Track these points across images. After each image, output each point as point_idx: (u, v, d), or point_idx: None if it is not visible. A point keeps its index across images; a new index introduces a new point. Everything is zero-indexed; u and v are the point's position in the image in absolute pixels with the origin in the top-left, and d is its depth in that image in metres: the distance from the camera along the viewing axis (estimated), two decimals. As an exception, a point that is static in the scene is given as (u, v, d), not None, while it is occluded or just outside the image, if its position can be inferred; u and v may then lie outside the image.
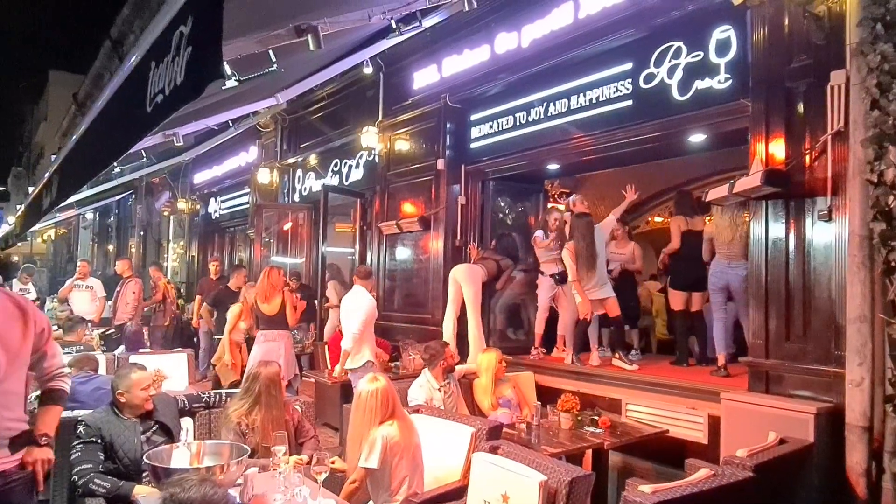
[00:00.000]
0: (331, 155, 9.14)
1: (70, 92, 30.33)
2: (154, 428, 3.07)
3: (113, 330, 7.26)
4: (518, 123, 6.35)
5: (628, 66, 5.33)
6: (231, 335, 6.61)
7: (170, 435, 3.08)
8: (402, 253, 7.71)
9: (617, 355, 5.63)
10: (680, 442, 4.45)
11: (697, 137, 5.27)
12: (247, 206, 11.73)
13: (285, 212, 10.37)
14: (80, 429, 2.91)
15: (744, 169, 4.27)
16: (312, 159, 9.57)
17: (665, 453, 4.47)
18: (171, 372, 5.11)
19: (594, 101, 5.62)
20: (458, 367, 4.98)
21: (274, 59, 3.11)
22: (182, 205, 13.60)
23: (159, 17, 2.29)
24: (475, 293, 6.33)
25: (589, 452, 4.19)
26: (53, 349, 2.56)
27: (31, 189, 32.62)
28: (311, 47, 2.95)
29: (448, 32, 6.52)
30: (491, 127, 6.67)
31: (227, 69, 2.81)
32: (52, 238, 27.10)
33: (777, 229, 4.03)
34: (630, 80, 5.31)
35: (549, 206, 7.65)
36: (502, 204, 7.49)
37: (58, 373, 2.57)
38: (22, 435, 2.32)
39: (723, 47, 4.63)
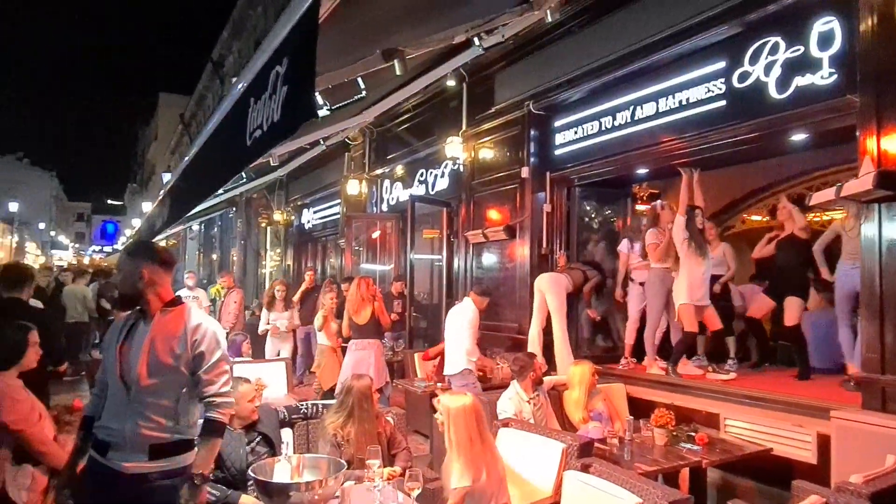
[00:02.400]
0: (416, 165, 9.32)
1: (177, 112, 32.82)
2: (258, 439, 3.26)
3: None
4: (604, 128, 6.23)
5: (720, 65, 5.10)
6: (327, 340, 6.91)
7: (272, 446, 3.26)
8: (489, 261, 7.73)
9: (711, 367, 5.39)
10: (785, 461, 4.21)
11: (798, 137, 4.97)
12: (338, 216, 12.18)
13: (374, 221, 10.68)
14: None
15: (849, 164, 3.98)
16: (399, 170, 9.81)
17: (769, 472, 4.24)
18: (269, 380, 5.36)
19: (684, 102, 5.42)
20: (546, 379, 4.94)
21: (363, 87, 3.22)
22: (278, 216, 14.29)
23: (258, 54, 2.44)
24: (560, 303, 6.25)
25: (686, 471, 4.04)
26: (210, 376, 2.52)
27: (144, 205, 35.27)
28: (398, 72, 3.04)
29: (531, 40, 6.51)
30: (576, 133, 6.58)
31: (319, 99, 2.95)
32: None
33: (893, 231, 3.73)
34: (723, 80, 5.08)
35: (638, 207, 7.45)
36: (588, 208, 7.35)
37: (211, 400, 2.53)
38: (163, 446, 2.45)
39: (826, 40, 4.34)
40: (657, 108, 5.68)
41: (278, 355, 7.67)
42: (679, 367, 5.53)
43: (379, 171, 10.39)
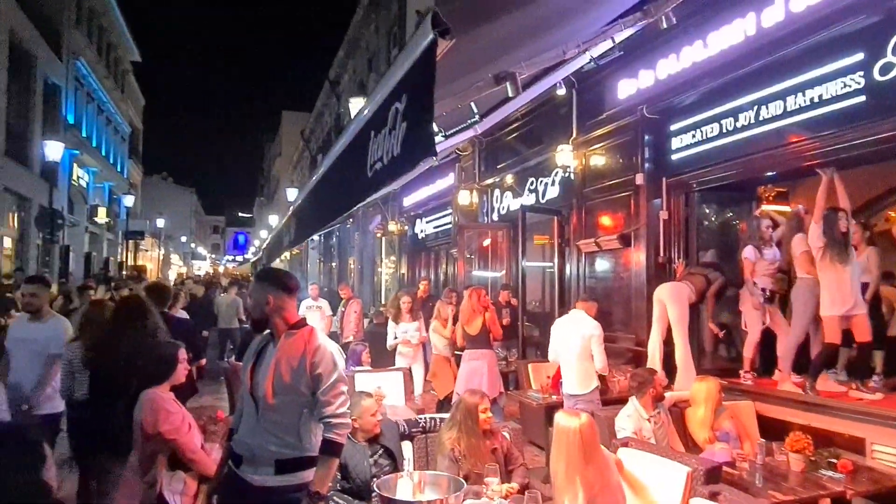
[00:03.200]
0: (526, 174, 9.30)
1: (298, 129, 34.87)
2: (380, 451, 3.41)
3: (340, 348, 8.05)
4: (725, 130, 5.91)
5: (858, 57, 4.68)
6: (442, 349, 7.07)
7: (393, 458, 3.40)
8: (602, 270, 7.56)
9: (854, 384, 4.93)
10: (948, 494, 3.77)
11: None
12: (449, 225, 12.41)
13: (485, 230, 10.77)
14: None
15: None
16: (509, 179, 9.83)
17: (928, 506, 3.81)
18: (387, 389, 5.56)
19: (816, 99, 5.02)
20: (668, 395, 4.74)
21: (476, 111, 3.28)
22: (392, 227, 14.79)
23: (378, 89, 2.56)
24: (681, 314, 5.96)
25: (826, 501, 3.73)
26: (328, 397, 2.60)
27: (270, 217, 37.57)
28: (510, 94, 3.05)
29: (643, 42, 6.28)
30: (693, 136, 6.28)
31: (434, 127, 3.03)
32: (288, 258, 30.99)
33: None
34: (861, 73, 4.66)
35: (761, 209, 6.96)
36: (707, 211, 6.99)
37: (329, 421, 2.60)
38: (288, 462, 2.61)
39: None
40: (785, 107, 5.30)
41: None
42: (818, 382, 5.11)
43: (489, 181, 10.48)
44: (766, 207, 6.93)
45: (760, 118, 5.52)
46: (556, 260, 8.44)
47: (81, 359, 3.97)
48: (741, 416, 4.86)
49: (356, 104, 11.10)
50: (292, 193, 23.43)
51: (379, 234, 16.38)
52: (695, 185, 6.49)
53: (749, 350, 5.90)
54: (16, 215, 16.57)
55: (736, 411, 4.83)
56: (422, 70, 1.97)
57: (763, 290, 5.73)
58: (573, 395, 5.51)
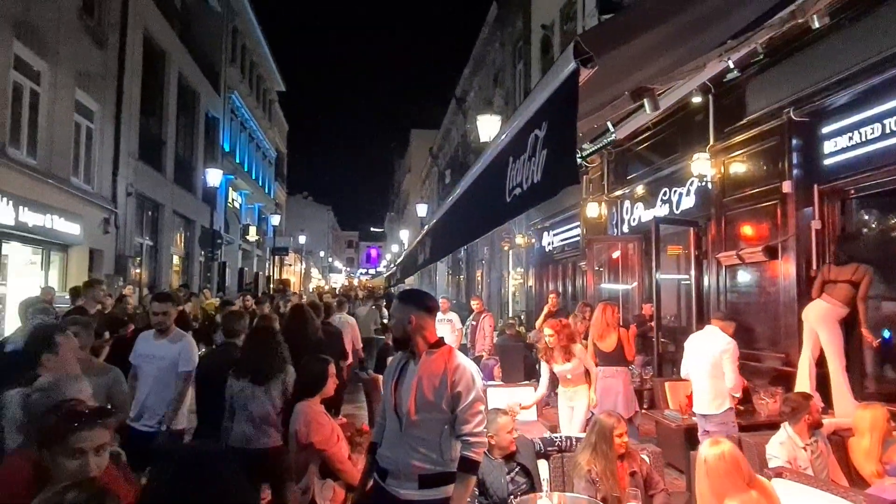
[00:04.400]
0: (659, 184, 8.97)
1: (426, 146, 36.03)
2: (517, 469, 3.46)
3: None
4: (889, 131, 5.34)
5: None
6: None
7: (529, 476, 3.43)
8: (745, 283, 7.10)
9: None
10: None
11: None
12: (577, 237, 12.23)
13: (615, 242, 10.51)
14: None
15: None
16: (640, 190, 9.54)
17: None
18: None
19: None
20: (826, 422, 4.36)
21: (612, 129, 3.26)
22: (519, 240, 14.83)
23: (515, 116, 2.62)
24: (830, 336, 5.43)
25: None
26: (466, 415, 2.70)
27: (401, 232, 38.99)
28: (648, 110, 2.98)
29: (788, 41, 5.88)
30: (850, 139, 5.74)
31: (577, 154, 3.04)
32: (419, 272, 31.99)
33: None
34: None
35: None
36: (866, 217, 6.32)
37: (466, 439, 2.69)
38: (430, 477, 2.73)
39: None
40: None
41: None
42: None
43: (619, 192, 10.22)
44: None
45: (932, 116, 4.96)
46: (692, 272, 8.05)
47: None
48: (916, 449, 4.34)
49: (484, 121, 11.31)
50: (422, 209, 24.24)
51: (506, 247, 16.47)
52: (853, 192, 5.93)
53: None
54: (182, 235, 18.59)
55: (909, 443, 4.33)
56: (563, 98, 1.99)
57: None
58: (704, 415, 5.27)
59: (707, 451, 2.92)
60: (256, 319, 6.51)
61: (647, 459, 3.60)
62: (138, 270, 14.58)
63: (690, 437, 5.45)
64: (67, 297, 8.25)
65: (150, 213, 15.63)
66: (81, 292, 7.51)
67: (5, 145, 9.01)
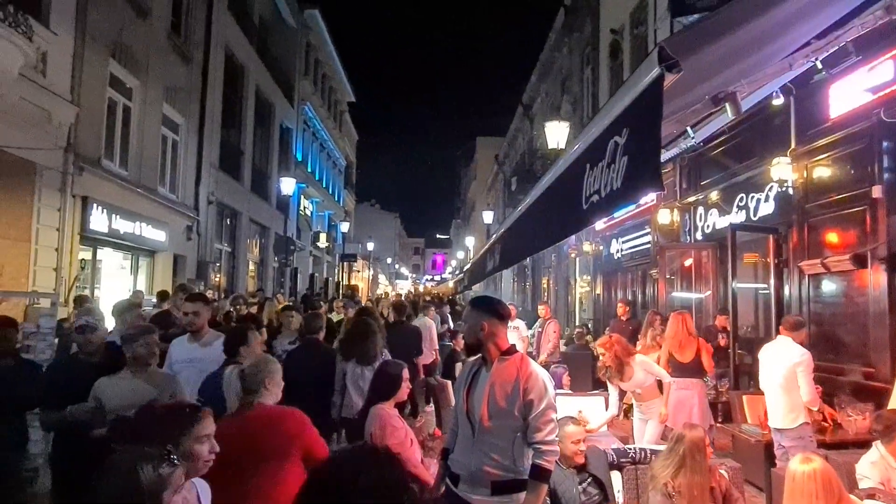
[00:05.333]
0: (735, 190, 8.66)
1: (492, 153, 36.10)
2: (588, 480, 3.42)
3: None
4: None
5: None
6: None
7: (602, 487, 3.39)
8: (830, 293, 6.76)
9: None
10: None
11: None
12: (647, 245, 11.95)
13: (687, 250, 10.21)
14: None
15: None
16: (714, 196, 9.23)
17: None
18: (589, 415, 5.49)
19: None
20: (922, 442, 4.09)
21: (692, 134, 3.20)
22: (587, 247, 14.63)
23: (592, 124, 2.61)
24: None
25: None
26: (539, 423, 2.72)
27: (467, 239, 39.16)
28: (730, 115, 2.89)
29: (877, 38, 5.57)
30: (948, 140, 5.40)
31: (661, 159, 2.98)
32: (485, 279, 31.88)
33: None
34: None
35: None
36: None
37: (538, 447, 2.71)
38: (503, 483, 2.74)
39: None
40: None
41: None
42: None
43: (691, 198, 9.93)
44: None
45: None
46: (771, 281, 7.71)
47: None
48: None
49: (552, 128, 11.25)
50: (488, 216, 24.26)
51: (573, 255, 16.28)
52: (951, 197, 5.56)
53: None
54: (257, 242, 19.35)
55: None
56: (647, 104, 1.97)
57: None
58: (779, 430, 5.06)
59: (797, 467, 2.81)
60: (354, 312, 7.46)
61: (725, 475, 3.48)
62: (217, 276, 15.29)
63: (770, 453, 5.23)
64: (154, 300, 8.76)
65: (228, 220, 16.38)
66: (168, 297, 7.99)
67: (101, 158, 9.68)
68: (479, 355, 2.99)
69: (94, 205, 9.14)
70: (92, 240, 9.47)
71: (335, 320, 8.89)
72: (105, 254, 10.51)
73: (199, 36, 13.57)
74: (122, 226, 10.06)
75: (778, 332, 5.36)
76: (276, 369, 3.08)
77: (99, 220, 9.32)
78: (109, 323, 5.26)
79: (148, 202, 11.13)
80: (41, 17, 7.88)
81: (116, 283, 10.88)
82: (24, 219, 7.91)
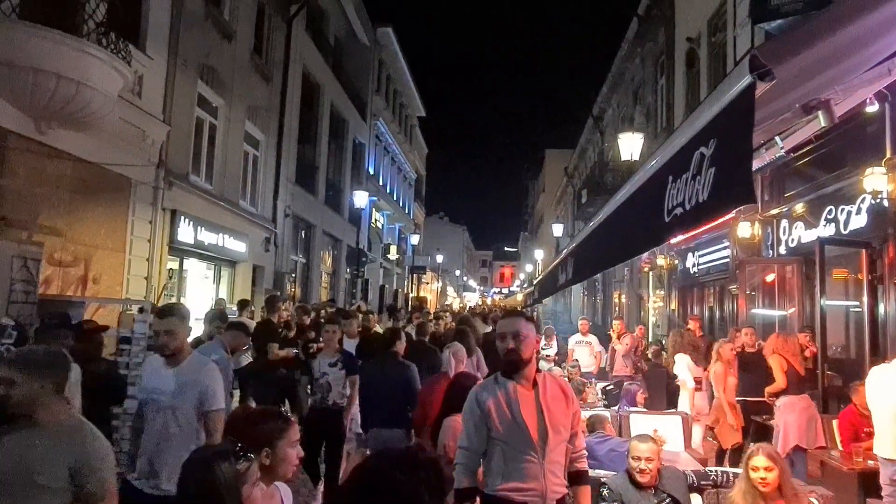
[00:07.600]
0: (822, 202, 8.22)
1: (561, 166, 35.75)
2: (666, 500, 3.31)
3: (612, 385, 7.92)
4: None
5: None
6: (724, 395, 6.52)
7: (681, 509, 3.27)
8: (933, 313, 6.28)
9: None
10: None
11: None
12: (725, 259, 11.49)
13: (770, 265, 9.75)
14: (604, 491, 3.37)
15: None
16: (799, 208, 8.79)
17: None
18: (666, 435, 5.30)
19: None
20: None
21: (781, 145, 3.07)
22: (661, 261, 14.22)
23: (675, 135, 2.55)
24: None
25: None
26: (579, 432, 2.91)
27: (536, 252, 38.76)
28: (823, 123, 2.74)
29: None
30: None
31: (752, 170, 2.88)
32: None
33: None
34: None
35: None
36: None
37: (580, 454, 2.93)
38: (563, 500, 2.82)
39: None
40: None
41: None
42: None
43: (774, 211, 9.49)
44: None
45: None
46: (864, 299, 7.25)
47: None
48: None
49: (625, 139, 11.03)
50: (558, 229, 23.99)
51: (646, 269, 15.84)
52: None
53: None
54: (330, 254, 19.90)
55: None
56: (737, 114, 1.90)
57: None
58: (888, 460, 4.67)
59: None
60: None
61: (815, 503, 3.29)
62: (293, 286, 15.81)
63: (866, 483, 4.89)
64: (235, 308, 9.16)
65: (303, 232, 16.94)
66: (248, 305, 8.38)
67: (188, 173, 10.25)
68: (497, 373, 2.91)
69: (182, 217, 9.68)
70: (179, 250, 10.02)
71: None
72: (190, 264, 11.09)
73: (278, 56, 14.19)
74: (207, 237, 10.59)
75: (878, 354, 5.07)
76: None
77: (186, 232, 9.86)
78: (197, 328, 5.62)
79: (230, 215, 11.68)
80: (139, 43, 8.46)
81: (200, 292, 11.45)
82: (119, 230, 8.47)
